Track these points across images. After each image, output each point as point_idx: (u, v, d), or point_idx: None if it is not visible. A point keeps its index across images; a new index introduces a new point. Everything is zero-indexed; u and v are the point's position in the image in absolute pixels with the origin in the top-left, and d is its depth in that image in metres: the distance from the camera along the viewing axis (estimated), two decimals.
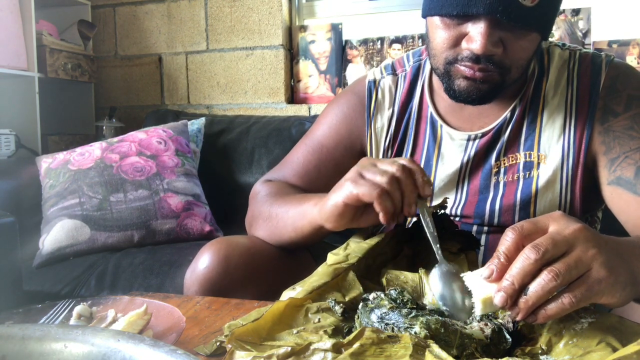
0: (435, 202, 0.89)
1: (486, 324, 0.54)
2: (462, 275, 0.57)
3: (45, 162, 1.72)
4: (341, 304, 0.61)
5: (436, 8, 0.76)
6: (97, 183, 1.61)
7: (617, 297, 0.52)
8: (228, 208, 1.80)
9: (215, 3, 2.27)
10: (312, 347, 0.49)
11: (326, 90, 2.18)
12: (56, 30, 2.23)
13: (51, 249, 1.50)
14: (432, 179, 0.91)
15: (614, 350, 0.49)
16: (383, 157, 0.96)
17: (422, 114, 0.94)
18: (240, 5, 2.24)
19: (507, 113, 0.87)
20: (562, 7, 1.80)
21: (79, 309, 0.65)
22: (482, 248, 0.87)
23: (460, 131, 0.90)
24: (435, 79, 0.92)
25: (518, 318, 0.51)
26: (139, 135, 1.80)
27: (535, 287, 0.49)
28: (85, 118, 2.40)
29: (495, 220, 0.86)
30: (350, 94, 1.00)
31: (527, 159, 0.85)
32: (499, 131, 0.87)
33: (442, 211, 0.78)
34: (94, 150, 1.71)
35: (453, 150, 0.90)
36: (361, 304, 0.59)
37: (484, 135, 0.88)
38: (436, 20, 0.78)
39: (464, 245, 0.75)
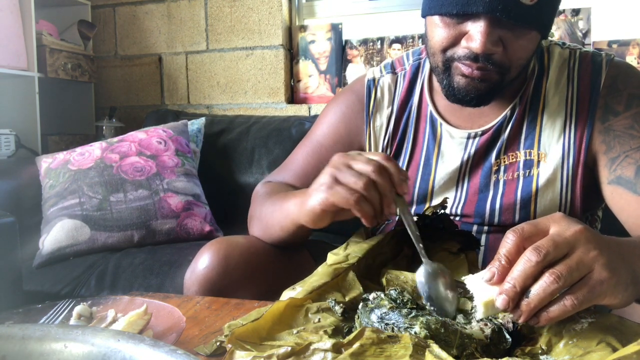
0: (436, 202, 0.89)
1: (486, 324, 0.54)
2: (463, 278, 0.57)
3: (45, 162, 1.72)
4: (341, 304, 0.61)
5: (436, 7, 0.76)
6: (97, 183, 1.61)
7: (620, 298, 0.52)
8: (228, 208, 1.80)
9: (215, 3, 2.27)
10: (312, 347, 0.49)
11: (326, 90, 2.18)
12: (56, 30, 2.23)
13: (51, 249, 1.50)
14: (432, 177, 0.91)
15: (614, 350, 0.49)
16: None
17: (421, 113, 0.94)
18: (240, 5, 2.24)
19: (507, 111, 0.87)
20: (562, 7, 1.79)
21: (79, 309, 0.65)
22: (482, 248, 0.87)
23: (460, 129, 0.90)
24: (434, 77, 0.92)
25: (520, 321, 0.51)
26: (139, 135, 1.80)
27: (537, 290, 0.49)
28: (85, 118, 2.40)
29: (496, 219, 0.86)
30: (349, 92, 1.00)
31: (527, 157, 0.85)
32: (499, 129, 0.87)
33: (442, 211, 0.78)
34: (94, 150, 1.71)
35: (453, 148, 0.90)
36: (361, 304, 0.59)
37: (484, 133, 0.88)
38: (436, 19, 0.78)
39: (464, 245, 0.75)
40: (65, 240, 1.51)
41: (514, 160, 0.86)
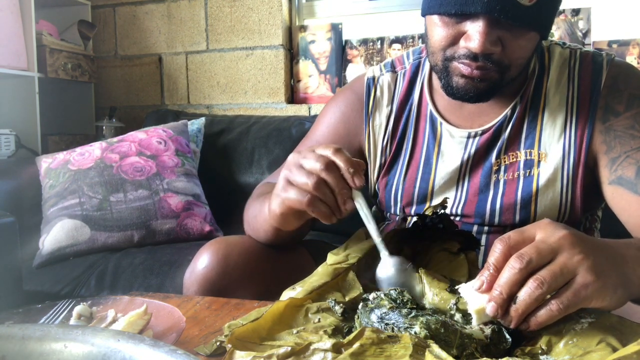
0: (436, 202, 0.89)
1: (486, 324, 0.54)
2: (457, 287, 0.59)
3: (45, 162, 1.72)
4: (341, 304, 0.61)
5: (435, 7, 0.77)
6: (97, 183, 1.61)
7: (608, 301, 0.52)
8: (228, 208, 1.79)
9: (215, 3, 2.27)
10: (312, 347, 0.49)
11: (326, 90, 2.18)
12: (56, 30, 2.23)
13: (51, 249, 1.50)
14: (432, 177, 0.91)
15: (614, 350, 0.49)
16: (381, 155, 0.96)
17: (421, 112, 0.94)
18: (240, 5, 2.24)
19: (507, 111, 0.87)
20: (562, 7, 1.79)
21: (79, 309, 0.65)
22: (482, 248, 0.87)
23: (460, 129, 0.90)
24: (434, 76, 0.92)
25: (511, 326, 0.52)
26: (139, 135, 1.80)
27: (523, 296, 0.51)
28: (85, 118, 2.40)
29: (496, 219, 0.86)
30: (349, 91, 1.00)
31: (528, 157, 0.85)
32: (499, 129, 0.87)
33: (442, 211, 0.78)
34: (94, 150, 1.71)
35: (453, 147, 0.90)
36: (361, 304, 0.59)
37: (484, 132, 0.88)
38: (435, 18, 0.78)
39: (464, 245, 0.75)
40: (65, 240, 1.51)
41: (515, 160, 0.86)
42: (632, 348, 0.46)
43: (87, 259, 1.49)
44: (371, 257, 0.71)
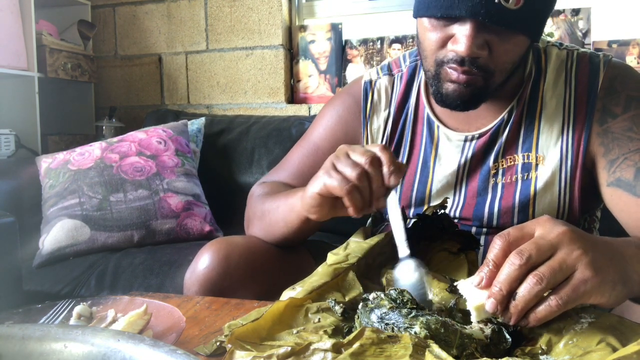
0: (436, 203, 0.89)
1: (486, 324, 0.54)
2: (455, 283, 0.59)
3: (45, 162, 1.72)
4: (341, 304, 0.61)
5: (423, 9, 0.77)
6: (97, 183, 1.61)
7: (607, 297, 0.52)
8: (228, 208, 1.80)
9: (215, 3, 2.27)
10: (312, 347, 0.49)
11: (326, 90, 2.18)
12: (56, 30, 2.23)
13: (51, 249, 1.50)
14: (429, 180, 0.91)
15: (614, 350, 0.49)
16: None
17: (418, 115, 0.94)
18: (240, 5, 2.24)
19: (504, 114, 0.87)
20: (562, 7, 1.79)
21: (79, 309, 0.65)
22: (481, 248, 0.87)
23: (457, 132, 0.90)
24: None
25: (511, 323, 0.53)
26: (139, 135, 1.80)
27: (522, 292, 0.51)
28: (85, 118, 2.40)
29: (494, 222, 0.86)
30: (346, 95, 1.00)
31: (526, 160, 0.85)
32: (496, 132, 0.87)
33: (442, 211, 0.78)
34: (93, 150, 1.71)
35: (450, 151, 0.90)
36: (361, 304, 0.59)
37: (481, 136, 0.88)
38: (425, 21, 0.78)
39: (464, 245, 0.75)
40: (65, 240, 1.51)
41: (512, 163, 0.86)
42: (632, 348, 0.46)
43: (87, 259, 1.49)
44: (371, 257, 0.71)
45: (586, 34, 1.90)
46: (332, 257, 0.69)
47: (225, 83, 2.29)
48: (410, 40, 2.09)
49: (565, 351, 0.51)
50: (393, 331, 0.53)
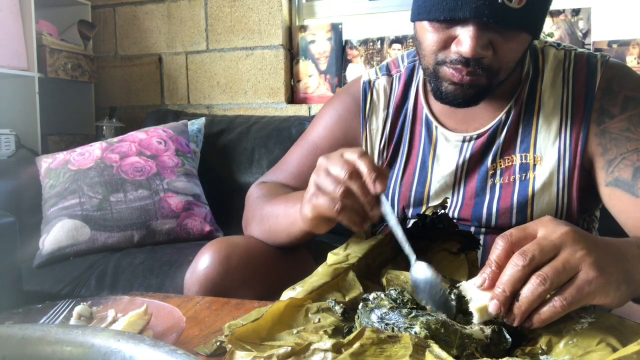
0: (434, 203, 0.89)
1: (486, 324, 0.54)
2: (458, 285, 0.58)
3: (45, 162, 1.72)
4: (341, 304, 0.61)
5: (424, 13, 0.76)
6: (97, 183, 1.61)
7: (612, 297, 0.52)
8: (228, 208, 1.80)
9: (215, 3, 2.27)
10: (312, 347, 0.49)
11: (326, 90, 2.18)
12: (56, 30, 2.23)
13: (51, 249, 1.50)
14: (428, 181, 0.91)
15: (614, 350, 0.49)
16: (379, 159, 0.96)
17: (417, 116, 0.94)
18: (240, 5, 2.24)
19: (502, 115, 0.87)
20: (562, 7, 1.79)
21: (79, 309, 0.65)
22: (481, 248, 0.87)
23: (455, 132, 0.90)
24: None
25: (515, 324, 0.52)
26: (139, 135, 1.80)
27: (526, 293, 0.50)
28: (85, 118, 2.40)
29: (493, 222, 0.86)
30: (345, 95, 1.00)
31: (523, 161, 0.85)
32: (494, 133, 0.87)
33: (442, 211, 0.78)
34: (94, 150, 1.71)
35: (448, 151, 0.90)
36: (361, 304, 0.59)
37: (479, 136, 0.88)
38: (425, 24, 0.78)
39: (464, 245, 0.75)
40: (65, 240, 1.51)
41: (510, 163, 0.86)
42: (632, 348, 0.46)
43: (87, 259, 1.49)
44: (371, 257, 0.71)
45: (586, 34, 1.90)
46: (332, 257, 0.69)
47: (225, 83, 2.29)
48: (410, 40, 2.09)
49: (565, 351, 0.51)
50: (393, 331, 0.53)
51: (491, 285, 0.53)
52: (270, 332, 0.55)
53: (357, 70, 2.15)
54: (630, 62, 1.85)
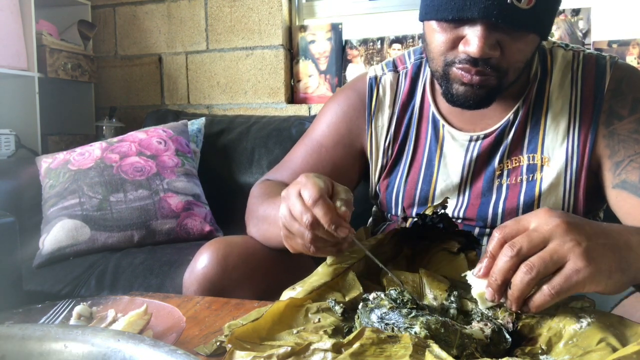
0: (436, 202, 0.89)
1: (486, 324, 0.54)
2: (463, 274, 0.61)
3: (45, 162, 1.72)
4: (341, 304, 0.61)
5: (432, 12, 0.76)
6: (97, 183, 1.61)
7: (604, 285, 0.53)
8: (228, 208, 1.79)
9: (215, 3, 2.27)
10: (312, 347, 0.49)
11: (326, 90, 2.18)
12: (56, 30, 2.23)
13: (51, 249, 1.50)
14: (434, 179, 0.91)
15: (614, 350, 0.49)
16: (383, 157, 0.95)
17: (423, 114, 0.93)
18: (240, 5, 2.24)
19: (510, 115, 0.87)
20: (562, 7, 1.79)
21: (79, 309, 0.65)
22: (482, 248, 0.87)
23: (462, 132, 0.89)
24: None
25: (513, 309, 0.55)
26: (139, 135, 1.80)
27: (515, 281, 0.53)
28: (85, 118, 2.39)
29: (498, 223, 0.86)
30: (351, 90, 0.99)
31: (531, 162, 0.85)
32: (502, 133, 0.87)
33: (443, 210, 0.78)
34: (94, 150, 1.71)
35: (455, 151, 0.89)
36: (361, 304, 0.59)
37: (486, 136, 0.87)
38: (433, 24, 0.78)
39: (464, 245, 0.75)
40: (65, 240, 1.51)
41: (517, 164, 0.86)
42: (632, 348, 0.46)
43: (87, 259, 1.49)
44: (371, 258, 0.71)
45: (586, 34, 1.90)
46: (332, 257, 0.69)
47: (225, 83, 2.28)
48: (410, 40, 2.09)
49: (565, 351, 0.51)
50: (393, 331, 0.53)
51: (486, 274, 0.56)
52: (270, 332, 0.55)
53: (357, 70, 2.15)
54: (630, 62, 1.85)
